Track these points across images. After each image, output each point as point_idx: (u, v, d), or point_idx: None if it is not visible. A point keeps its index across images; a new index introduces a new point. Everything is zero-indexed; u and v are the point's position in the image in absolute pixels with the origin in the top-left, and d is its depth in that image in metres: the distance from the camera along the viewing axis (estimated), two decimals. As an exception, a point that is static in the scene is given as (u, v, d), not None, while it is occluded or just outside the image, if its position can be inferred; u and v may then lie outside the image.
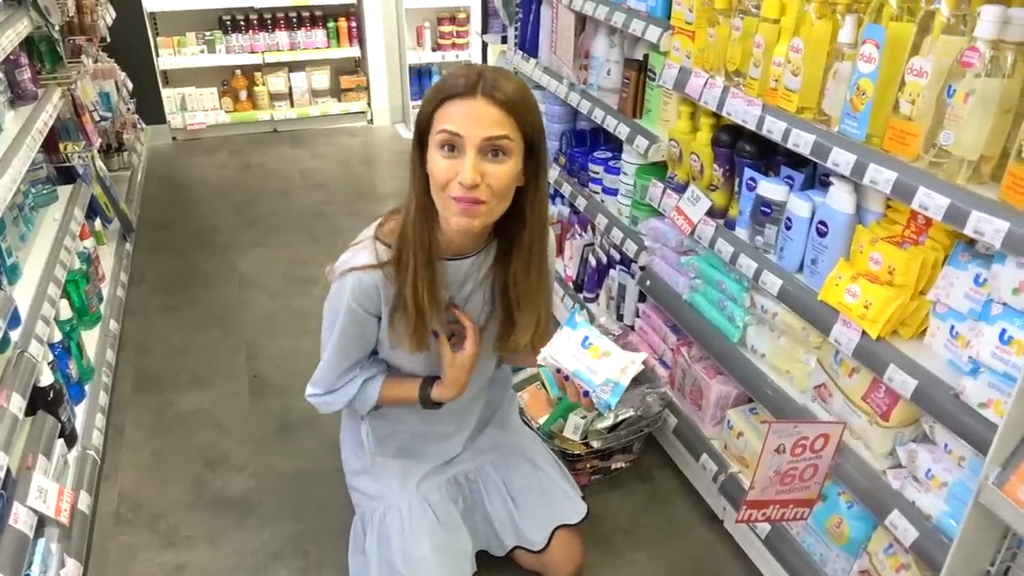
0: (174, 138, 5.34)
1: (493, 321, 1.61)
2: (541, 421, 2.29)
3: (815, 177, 1.94)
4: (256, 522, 2.20)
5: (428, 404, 1.65)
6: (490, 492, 1.91)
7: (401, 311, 1.47)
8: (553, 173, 3.03)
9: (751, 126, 1.81)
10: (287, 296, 3.38)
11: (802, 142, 1.65)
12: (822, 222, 1.70)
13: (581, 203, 2.80)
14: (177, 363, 2.92)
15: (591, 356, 1.35)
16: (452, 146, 1.26)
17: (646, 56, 2.40)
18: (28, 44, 3.07)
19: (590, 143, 2.99)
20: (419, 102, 1.32)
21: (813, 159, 1.64)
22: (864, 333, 1.56)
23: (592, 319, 2.50)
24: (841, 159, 1.55)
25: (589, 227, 2.97)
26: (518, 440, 2.00)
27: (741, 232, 2.00)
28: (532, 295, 1.52)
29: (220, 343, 3.05)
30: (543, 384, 2.43)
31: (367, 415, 1.76)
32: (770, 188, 1.85)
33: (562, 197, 3.15)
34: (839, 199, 1.66)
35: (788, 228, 1.80)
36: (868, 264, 1.60)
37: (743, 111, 1.82)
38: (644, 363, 1.41)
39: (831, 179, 1.68)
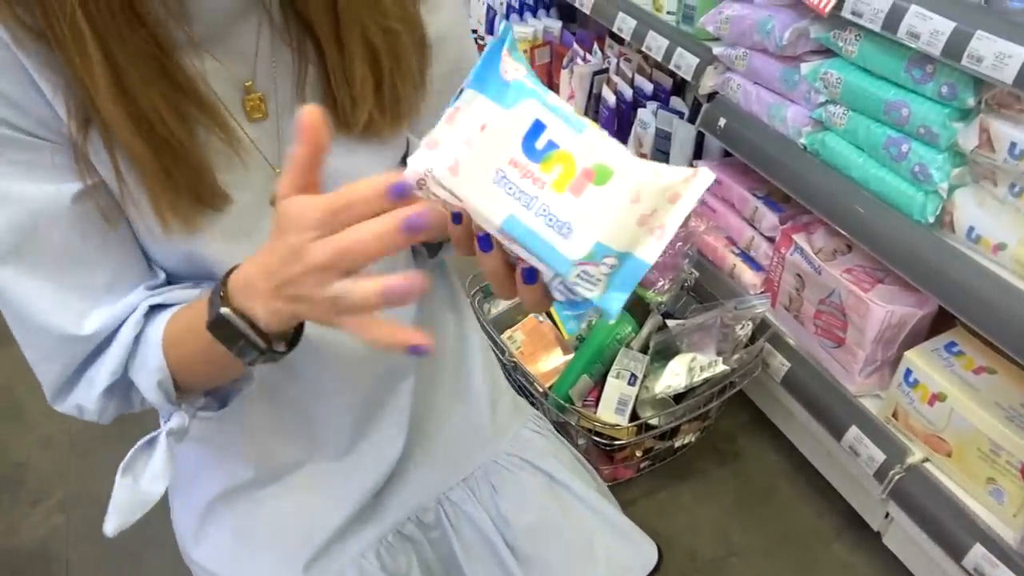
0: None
1: (317, 90, 0.62)
2: (549, 381, 1.31)
3: None
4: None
5: (220, 324, 0.50)
6: (467, 543, 0.92)
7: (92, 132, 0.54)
8: (533, -37, 1.90)
9: None
10: None
11: None
12: None
13: (586, 3, 1.70)
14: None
15: (552, 178, 0.35)
16: None
17: None
18: None
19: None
20: None
21: None
22: None
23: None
24: None
25: (596, 47, 1.88)
26: (510, 428, 0.97)
27: (959, -12, 0.95)
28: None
29: None
30: (549, 313, 1.43)
31: (173, 413, 0.70)
32: None
33: (547, 4, 2.05)
34: None
35: None
36: None
37: None
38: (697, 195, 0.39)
39: None
